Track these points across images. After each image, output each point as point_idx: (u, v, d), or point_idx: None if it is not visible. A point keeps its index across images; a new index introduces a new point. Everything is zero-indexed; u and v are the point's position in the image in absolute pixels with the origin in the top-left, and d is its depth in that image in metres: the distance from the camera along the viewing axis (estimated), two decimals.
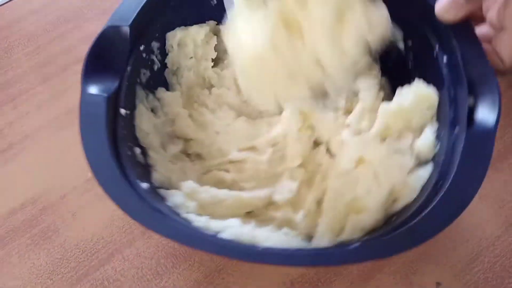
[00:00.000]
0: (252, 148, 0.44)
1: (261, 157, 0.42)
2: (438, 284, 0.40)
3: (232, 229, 0.35)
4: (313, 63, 0.34)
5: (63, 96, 0.53)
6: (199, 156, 0.45)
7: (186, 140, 0.45)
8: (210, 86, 0.48)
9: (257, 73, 0.35)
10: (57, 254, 0.43)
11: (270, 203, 0.41)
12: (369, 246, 0.32)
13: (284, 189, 0.40)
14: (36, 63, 0.56)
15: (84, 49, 0.57)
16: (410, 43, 0.45)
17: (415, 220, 0.33)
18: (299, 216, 0.39)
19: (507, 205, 0.44)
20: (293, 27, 0.33)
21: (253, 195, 0.40)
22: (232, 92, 0.47)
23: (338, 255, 0.32)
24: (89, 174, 0.33)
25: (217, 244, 0.32)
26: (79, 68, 0.55)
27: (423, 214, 0.33)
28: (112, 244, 0.43)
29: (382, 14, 0.34)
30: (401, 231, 0.32)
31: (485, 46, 0.37)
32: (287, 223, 0.40)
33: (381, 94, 0.45)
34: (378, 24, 0.33)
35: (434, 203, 0.33)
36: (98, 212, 0.45)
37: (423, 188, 0.37)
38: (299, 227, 0.39)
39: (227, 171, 0.43)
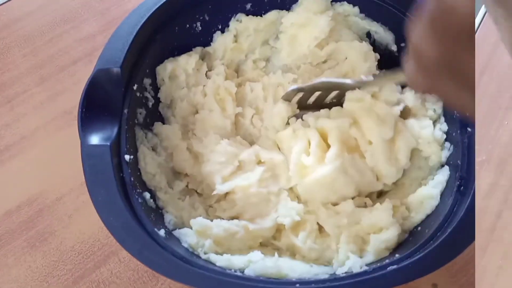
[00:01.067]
0: (238, 170, 0.41)
1: (248, 181, 0.40)
2: (434, 285, 0.40)
3: (256, 264, 0.33)
4: (373, 176, 0.41)
5: (60, 98, 0.53)
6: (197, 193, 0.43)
7: (186, 175, 0.43)
8: (197, 112, 0.46)
9: (323, 188, 0.39)
10: (53, 257, 0.43)
11: (278, 231, 0.39)
12: (412, 265, 0.31)
13: (289, 212, 0.38)
14: (33, 64, 0.56)
15: (81, 50, 0.58)
16: (403, 44, 0.45)
17: (452, 228, 0.32)
18: (300, 238, 0.38)
19: None
20: (352, 149, 0.41)
21: (261, 227, 0.38)
22: (216, 113, 0.44)
23: (382, 279, 0.31)
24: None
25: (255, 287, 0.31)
26: (76, 69, 0.56)
27: (458, 219, 0.32)
28: (108, 246, 0.43)
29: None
30: (442, 240, 0.32)
31: None
32: (291, 248, 0.38)
33: None
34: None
35: (465, 207, 0.33)
36: (94, 214, 0.44)
37: (444, 194, 0.37)
38: (302, 250, 0.37)
39: (222, 208, 0.41)
